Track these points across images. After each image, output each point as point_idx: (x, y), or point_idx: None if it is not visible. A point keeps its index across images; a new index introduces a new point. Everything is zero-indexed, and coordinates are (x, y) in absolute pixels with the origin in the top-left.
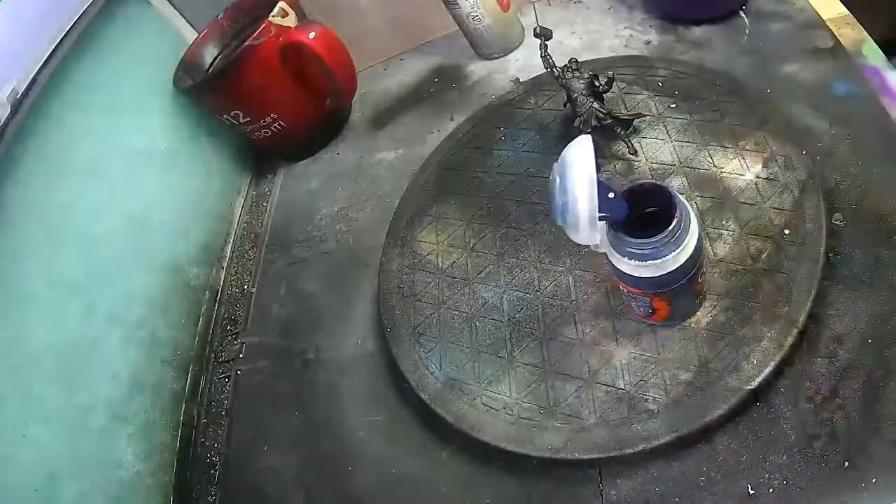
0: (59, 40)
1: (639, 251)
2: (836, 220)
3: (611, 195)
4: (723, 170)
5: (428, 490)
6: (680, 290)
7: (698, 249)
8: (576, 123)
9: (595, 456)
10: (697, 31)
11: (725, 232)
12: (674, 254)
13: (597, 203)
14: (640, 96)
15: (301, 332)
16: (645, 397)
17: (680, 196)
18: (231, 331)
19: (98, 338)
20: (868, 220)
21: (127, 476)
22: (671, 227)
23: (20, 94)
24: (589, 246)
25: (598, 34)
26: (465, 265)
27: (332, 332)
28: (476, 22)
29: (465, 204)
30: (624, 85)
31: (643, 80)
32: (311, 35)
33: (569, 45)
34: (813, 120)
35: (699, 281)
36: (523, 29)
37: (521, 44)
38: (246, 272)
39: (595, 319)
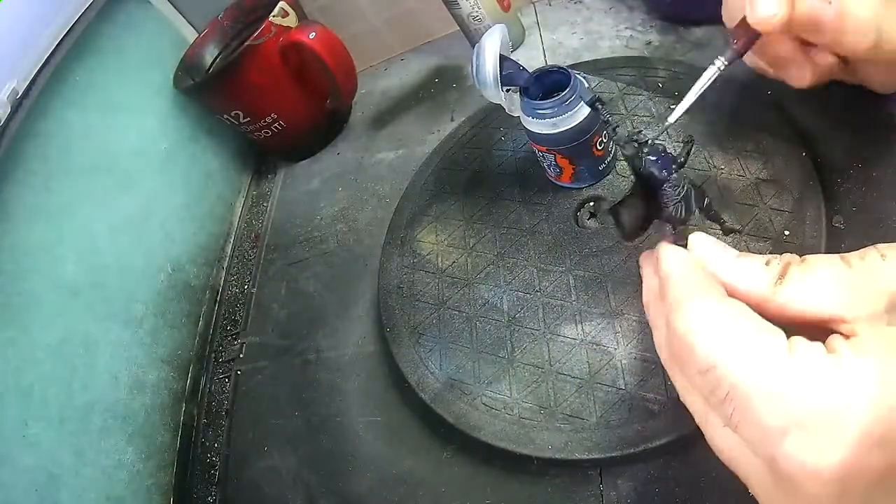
0: (59, 40)
1: (541, 111)
2: (837, 223)
3: (518, 68)
4: (722, 171)
5: (428, 490)
6: (579, 151)
7: (593, 117)
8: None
9: (596, 456)
10: (698, 32)
11: None
12: (569, 114)
13: (499, 66)
14: (640, 97)
15: (301, 332)
16: (646, 397)
17: (581, 77)
18: (231, 331)
19: (98, 338)
20: (869, 223)
21: (127, 476)
22: (564, 93)
23: (20, 94)
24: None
25: (598, 34)
26: (466, 265)
27: (333, 332)
28: (476, 22)
29: (466, 204)
30: (624, 86)
31: (643, 80)
32: (312, 35)
33: (569, 45)
34: (813, 121)
35: (599, 148)
36: (524, 29)
37: (521, 44)
38: (246, 272)
39: (596, 319)
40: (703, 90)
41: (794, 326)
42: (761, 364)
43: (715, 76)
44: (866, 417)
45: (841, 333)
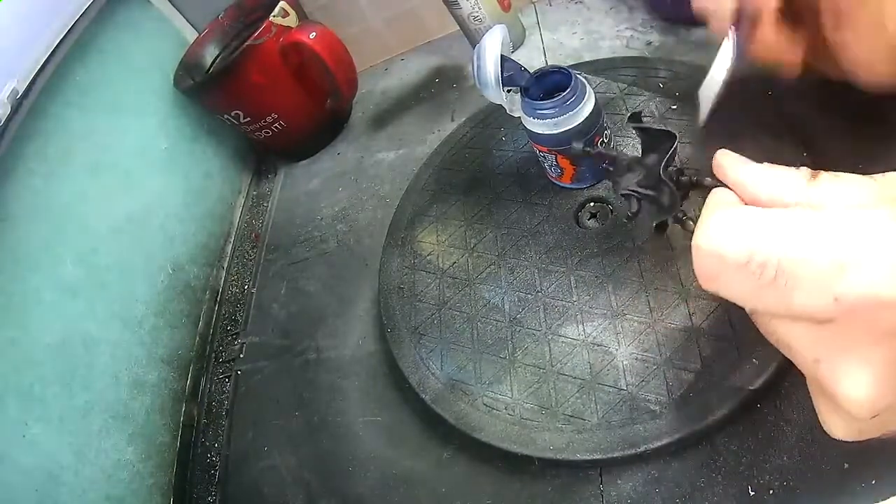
0: (59, 40)
1: (542, 111)
2: None
3: (519, 69)
4: None
5: (428, 490)
6: None
7: (594, 117)
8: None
9: (597, 457)
10: (699, 33)
11: None
12: (570, 114)
13: (500, 67)
14: (640, 97)
15: (301, 332)
16: (647, 398)
17: (583, 78)
18: (231, 331)
19: (98, 338)
20: None
21: (127, 476)
22: (565, 93)
23: (20, 94)
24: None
25: (598, 35)
26: (466, 265)
27: (333, 332)
28: (476, 22)
29: (466, 204)
30: (625, 86)
31: (644, 81)
32: (312, 35)
33: (569, 45)
34: (813, 121)
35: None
36: (524, 29)
37: (521, 44)
38: (246, 272)
39: (597, 320)
40: (725, 75)
41: None
42: (799, 228)
43: (732, 55)
44: None
45: None
